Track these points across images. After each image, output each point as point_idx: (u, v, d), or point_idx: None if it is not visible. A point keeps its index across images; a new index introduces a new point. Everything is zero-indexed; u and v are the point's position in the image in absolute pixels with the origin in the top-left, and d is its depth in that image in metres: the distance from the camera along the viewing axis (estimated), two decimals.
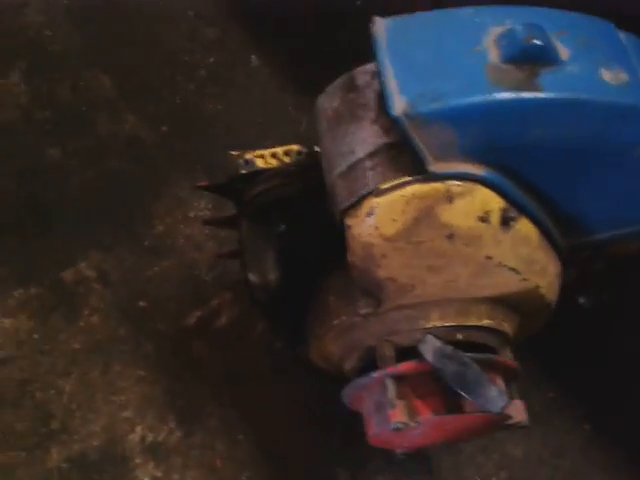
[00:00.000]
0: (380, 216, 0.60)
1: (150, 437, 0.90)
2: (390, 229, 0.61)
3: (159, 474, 0.88)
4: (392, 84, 0.58)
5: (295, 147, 0.83)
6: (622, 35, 0.65)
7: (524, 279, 0.68)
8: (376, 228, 0.61)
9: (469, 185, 0.59)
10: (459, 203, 0.59)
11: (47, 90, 1.20)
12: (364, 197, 0.61)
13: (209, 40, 1.26)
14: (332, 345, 0.77)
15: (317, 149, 0.76)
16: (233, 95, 1.20)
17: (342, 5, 1.24)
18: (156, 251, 1.05)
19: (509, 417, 0.69)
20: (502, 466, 0.87)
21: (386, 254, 0.63)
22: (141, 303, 1.00)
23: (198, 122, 1.18)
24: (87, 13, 1.28)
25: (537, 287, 0.70)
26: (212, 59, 1.24)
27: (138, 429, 0.91)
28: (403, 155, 0.60)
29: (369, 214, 0.61)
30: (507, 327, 0.75)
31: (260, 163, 0.82)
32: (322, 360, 0.82)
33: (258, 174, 0.80)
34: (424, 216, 0.60)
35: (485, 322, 0.72)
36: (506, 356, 0.75)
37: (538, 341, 0.82)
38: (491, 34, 0.58)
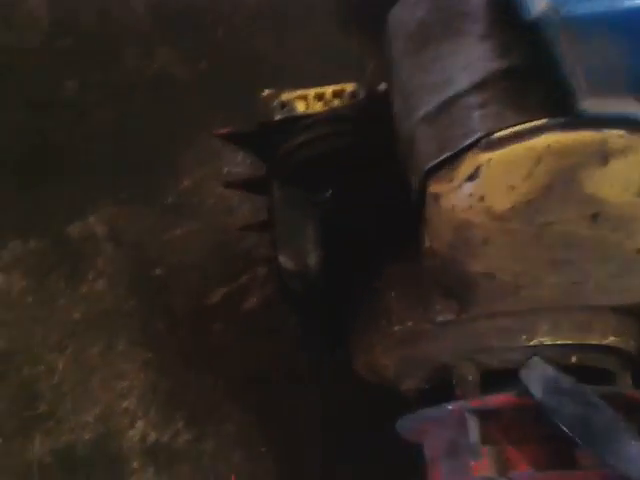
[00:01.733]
0: (490, 181, 0.38)
1: (153, 436, 0.74)
2: (504, 201, 0.39)
3: None
4: None
5: (349, 86, 0.60)
6: None
7: None
8: (481, 199, 0.39)
9: (634, 138, 0.37)
10: (617, 165, 0.37)
11: (71, 14, 1.02)
12: (465, 150, 0.39)
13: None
14: (387, 357, 0.57)
15: (383, 87, 0.55)
16: (286, 31, 0.99)
17: None
18: (180, 211, 0.87)
19: None
20: None
21: (490, 239, 0.41)
22: (157, 271, 0.83)
23: (243, 61, 0.97)
24: None
25: None
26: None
27: (139, 425, 0.75)
28: (531, 87, 0.38)
29: (472, 177, 0.39)
30: (634, 347, 0.53)
31: (301, 107, 0.60)
32: (370, 373, 0.61)
33: (298, 121, 0.58)
34: (561, 184, 0.38)
35: (610, 340, 0.51)
36: (627, 384, 0.54)
37: None
38: None
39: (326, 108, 0.59)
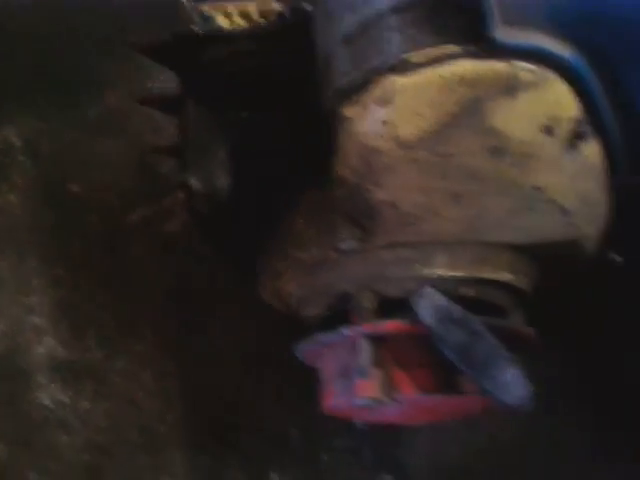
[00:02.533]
0: (401, 106, 0.38)
1: (61, 353, 0.71)
2: (411, 128, 0.39)
3: (65, 399, 0.70)
4: None
5: (276, 6, 0.58)
6: None
7: (572, 224, 0.48)
8: (390, 125, 0.39)
9: (543, 73, 0.37)
10: (523, 100, 0.38)
11: None
12: (378, 73, 0.38)
13: None
14: (292, 284, 0.57)
15: (309, 8, 0.53)
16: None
17: None
18: (102, 126, 0.81)
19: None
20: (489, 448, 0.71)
21: (395, 167, 0.41)
22: (74, 188, 0.78)
23: None
24: None
25: (583, 237, 0.51)
26: None
27: (47, 341, 0.71)
28: (449, 12, 0.37)
29: (383, 101, 0.38)
30: (527, 284, 0.56)
31: (222, 22, 0.58)
32: (276, 301, 0.61)
33: (217, 36, 0.55)
34: (467, 113, 0.38)
35: (504, 276, 0.53)
36: (518, 319, 0.57)
37: None
38: None
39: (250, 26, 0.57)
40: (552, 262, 0.55)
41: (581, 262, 0.54)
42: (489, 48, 0.36)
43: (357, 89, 0.39)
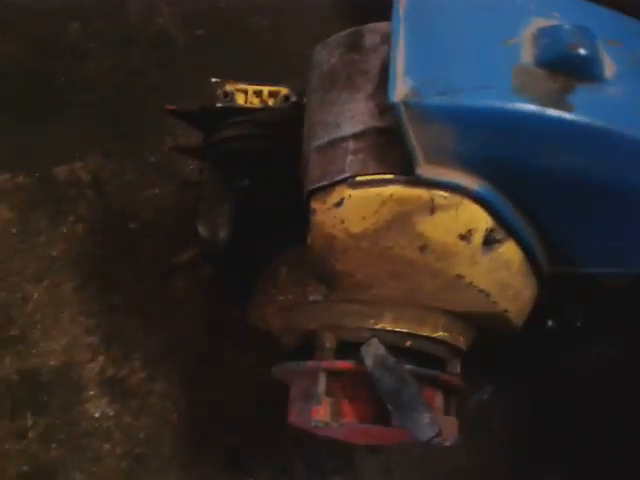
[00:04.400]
0: (349, 210, 0.50)
1: (110, 371, 0.80)
2: (357, 227, 0.51)
3: (111, 412, 0.78)
4: (400, 61, 0.46)
5: (284, 90, 0.71)
6: None
7: (493, 302, 0.59)
8: (342, 221, 0.51)
9: (457, 198, 0.49)
10: (441, 217, 0.50)
11: None
12: (337, 183, 0.51)
13: None
14: (273, 318, 0.69)
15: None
16: (286, 14, 1.01)
17: None
18: (161, 170, 0.91)
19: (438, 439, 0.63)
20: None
21: (348, 250, 0.54)
22: (132, 224, 0.88)
23: (239, 34, 1.00)
24: None
25: (505, 311, 0.62)
26: None
27: (100, 359, 0.80)
28: (392, 147, 0.49)
29: (338, 204, 0.51)
30: (462, 342, 0.67)
31: (240, 99, 0.71)
32: (261, 325, 0.74)
33: (234, 111, 0.68)
34: (398, 222, 0.50)
35: (440, 334, 0.64)
36: (454, 369, 0.68)
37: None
38: (533, 25, 0.46)
39: (261, 104, 0.69)
40: (484, 327, 0.66)
41: (508, 328, 0.66)
42: (416, 179, 0.47)
43: (322, 192, 0.51)
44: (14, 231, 0.86)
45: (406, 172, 0.47)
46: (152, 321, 0.82)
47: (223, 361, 0.81)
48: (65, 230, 0.87)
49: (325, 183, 0.51)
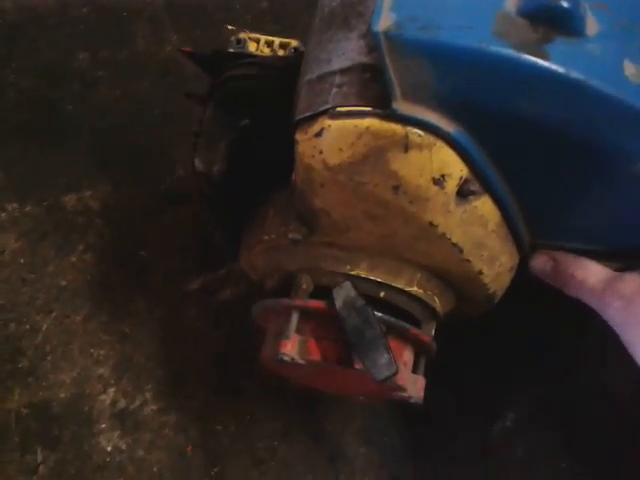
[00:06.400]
0: (327, 140, 0.53)
1: (122, 403, 0.80)
2: (334, 158, 0.53)
3: (123, 446, 0.78)
4: None
5: (294, 42, 0.74)
6: None
7: (466, 260, 0.61)
8: (320, 152, 0.54)
9: (431, 139, 0.51)
10: (415, 155, 0.52)
11: None
12: (319, 114, 0.53)
13: None
14: (258, 259, 0.72)
15: None
16: (292, 31, 0.99)
17: None
18: (171, 198, 0.92)
19: (400, 388, 0.65)
20: None
21: (324, 184, 0.56)
22: (142, 252, 0.89)
23: None
24: None
25: (480, 273, 0.63)
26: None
27: (111, 391, 0.81)
28: (375, 83, 0.51)
29: (318, 134, 0.53)
30: (438, 303, 0.69)
31: (252, 47, 0.74)
32: (250, 270, 0.77)
33: (245, 57, 0.72)
34: (373, 157, 0.52)
35: (414, 289, 0.66)
36: (428, 331, 0.70)
37: None
38: None
39: (271, 53, 0.73)
40: (460, 291, 0.68)
41: (484, 295, 0.67)
42: (392, 114, 0.50)
43: (306, 123, 0.54)
44: (22, 261, 0.86)
45: (384, 107, 0.50)
46: (164, 351, 0.82)
47: (238, 391, 0.81)
48: (74, 259, 0.86)
49: (309, 114, 0.54)
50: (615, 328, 0.60)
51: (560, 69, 0.46)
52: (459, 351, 0.78)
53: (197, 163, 0.69)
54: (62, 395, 0.80)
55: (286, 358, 0.63)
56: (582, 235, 0.63)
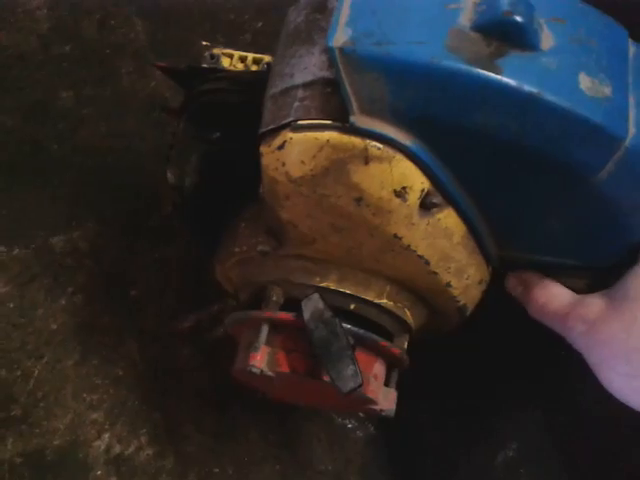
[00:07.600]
0: (290, 153, 0.54)
1: (117, 449, 0.79)
2: (296, 170, 0.54)
3: None
4: (345, 13, 0.50)
5: (267, 57, 0.76)
6: (633, 48, 0.56)
7: (433, 272, 0.62)
8: (283, 164, 0.55)
9: (390, 151, 0.52)
10: (375, 168, 0.53)
11: (72, 22, 1.05)
12: (282, 127, 0.54)
13: (262, 2, 1.05)
14: (232, 272, 0.73)
15: None
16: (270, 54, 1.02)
17: None
18: (160, 236, 0.91)
19: (370, 400, 0.65)
20: None
21: (289, 196, 0.57)
22: (133, 292, 0.88)
23: None
24: None
25: (448, 285, 0.64)
26: (260, 24, 1.05)
27: (105, 437, 0.79)
28: (335, 96, 0.52)
29: (280, 147, 0.54)
30: (409, 316, 0.70)
31: (225, 62, 0.76)
32: (226, 282, 0.78)
33: (218, 72, 0.73)
34: (334, 169, 0.53)
35: (384, 302, 0.67)
36: (400, 344, 0.70)
37: None
38: None
39: (244, 69, 0.74)
40: (431, 304, 0.69)
41: (454, 308, 0.68)
42: (351, 127, 0.51)
43: (270, 135, 0.55)
44: (11, 306, 0.85)
45: (344, 120, 0.51)
46: (158, 392, 0.81)
47: (236, 432, 0.80)
48: (64, 302, 0.86)
49: (273, 127, 0.55)
50: (580, 351, 0.60)
51: (512, 82, 0.47)
52: (459, 380, 0.80)
53: (169, 176, 0.70)
54: (56, 442, 0.78)
55: (255, 370, 0.64)
56: (550, 248, 0.64)
